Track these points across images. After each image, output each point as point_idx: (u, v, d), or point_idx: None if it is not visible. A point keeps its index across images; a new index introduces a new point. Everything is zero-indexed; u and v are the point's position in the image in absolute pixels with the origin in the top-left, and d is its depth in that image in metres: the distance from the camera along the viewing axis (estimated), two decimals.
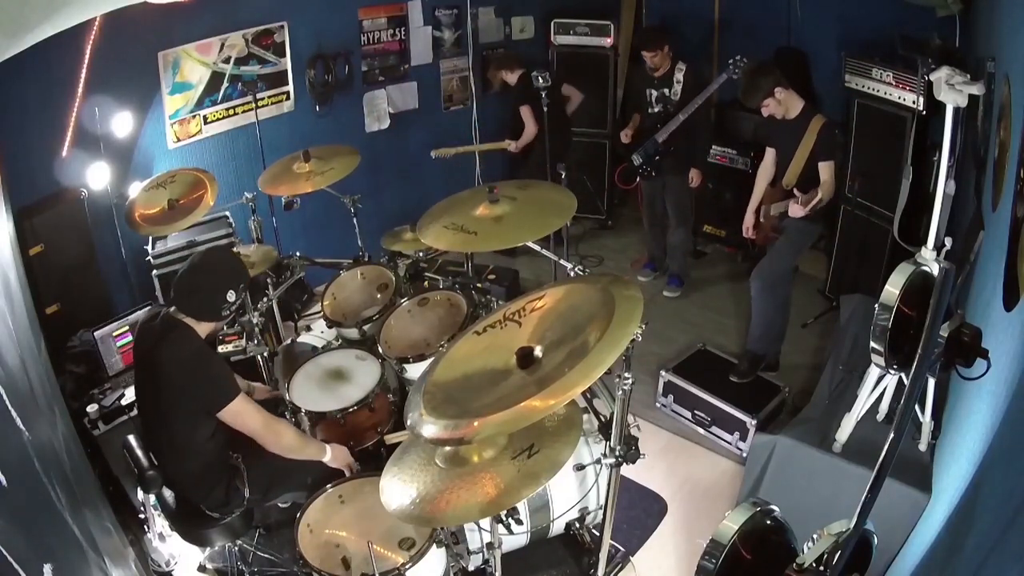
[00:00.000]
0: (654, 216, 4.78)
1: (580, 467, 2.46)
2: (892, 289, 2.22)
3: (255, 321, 3.16)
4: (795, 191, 3.47)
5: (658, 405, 3.74)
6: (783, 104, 3.42)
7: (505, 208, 2.48)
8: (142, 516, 2.79)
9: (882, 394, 2.68)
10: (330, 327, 3.24)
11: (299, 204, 3.46)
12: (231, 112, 4.21)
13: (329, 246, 3.98)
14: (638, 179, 4.59)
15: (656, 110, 4.40)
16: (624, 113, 5.61)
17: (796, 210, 3.36)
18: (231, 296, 2.36)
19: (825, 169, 3.38)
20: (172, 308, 2.33)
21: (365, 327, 3.07)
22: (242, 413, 2.29)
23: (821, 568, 1.30)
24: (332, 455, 2.49)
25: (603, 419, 2.51)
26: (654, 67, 4.28)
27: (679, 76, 4.27)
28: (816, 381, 3.31)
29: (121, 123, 3.57)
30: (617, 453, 2.07)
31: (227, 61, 4.06)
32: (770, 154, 3.66)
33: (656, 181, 4.52)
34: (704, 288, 4.86)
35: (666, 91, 4.33)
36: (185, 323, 2.30)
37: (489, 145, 5.14)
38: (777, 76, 3.41)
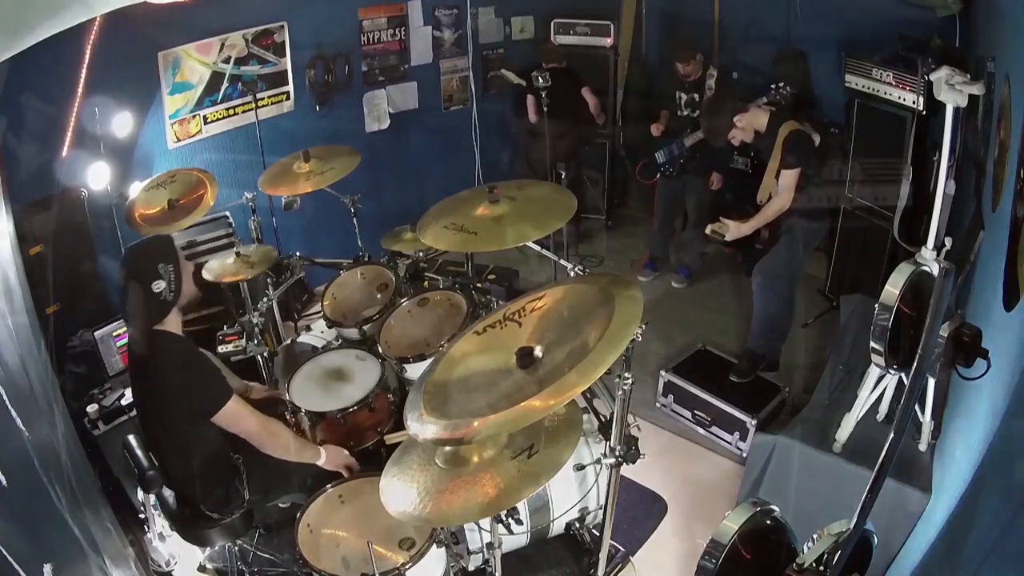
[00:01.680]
0: (667, 214, 4.83)
1: (580, 467, 2.46)
2: (892, 289, 2.22)
3: (255, 321, 3.17)
4: (721, 219, 3.54)
5: (658, 405, 3.74)
6: (747, 128, 3.44)
7: (505, 208, 2.48)
8: (142, 516, 2.79)
9: (882, 394, 2.69)
10: (330, 327, 3.24)
11: (299, 204, 3.46)
12: (231, 112, 4.21)
13: (329, 246, 3.98)
14: (658, 176, 4.66)
15: (685, 113, 4.49)
16: (625, 112, 5.63)
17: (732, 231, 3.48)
18: (159, 286, 2.26)
19: (785, 177, 3.37)
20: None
21: (365, 327, 3.07)
22: (237, 416, 2.29)
23: (821, 568, 1.30)
24: (327, 457, 2.48)
25: (603, 419, 2.51)
26: (686, 75, 4.36)
27: (711, 83, 4.34)
28: (816, 381, 3.31)
29: (121, 123, 3.57)
30: (617, 453, 2.07)
31: (227, 61, 4.05)
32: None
33: (677, 181, 4.60)
34: (704, 288, 4.86)
35: (696, 96, 4.41)
36: (159, 330, 2.28)
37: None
38: (731, 104, 3.44)
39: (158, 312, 2.28)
